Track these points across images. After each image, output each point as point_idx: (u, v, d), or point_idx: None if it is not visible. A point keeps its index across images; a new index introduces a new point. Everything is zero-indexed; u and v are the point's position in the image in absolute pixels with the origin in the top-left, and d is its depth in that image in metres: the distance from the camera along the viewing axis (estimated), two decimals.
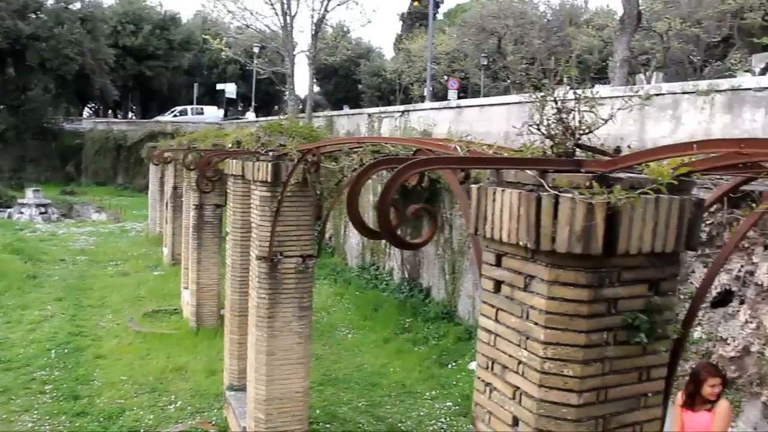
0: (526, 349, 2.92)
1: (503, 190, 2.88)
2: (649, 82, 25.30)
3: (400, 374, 12.58)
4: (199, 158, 11.27)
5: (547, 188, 2.65)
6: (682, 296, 10.04)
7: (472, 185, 3.09)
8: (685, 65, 32.04)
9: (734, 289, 9.46)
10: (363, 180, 2.83)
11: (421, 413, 11.08)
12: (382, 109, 19.74)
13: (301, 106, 30.56)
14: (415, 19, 48.18)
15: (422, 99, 31.04)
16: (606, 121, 2.89)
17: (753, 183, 3.86)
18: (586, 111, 2.89)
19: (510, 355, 3.03)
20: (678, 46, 28.80)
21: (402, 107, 18.21)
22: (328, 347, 14.28)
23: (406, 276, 16.52)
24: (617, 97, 11.74)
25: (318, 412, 11.09)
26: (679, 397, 6.34)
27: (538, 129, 2.91)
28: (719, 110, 10.16)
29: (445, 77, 35.71)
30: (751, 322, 9.22)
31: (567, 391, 2.83)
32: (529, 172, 2.79)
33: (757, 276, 9.12)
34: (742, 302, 9.37)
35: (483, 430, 3.29)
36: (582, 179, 2.66)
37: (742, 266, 9.39)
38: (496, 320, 3.11)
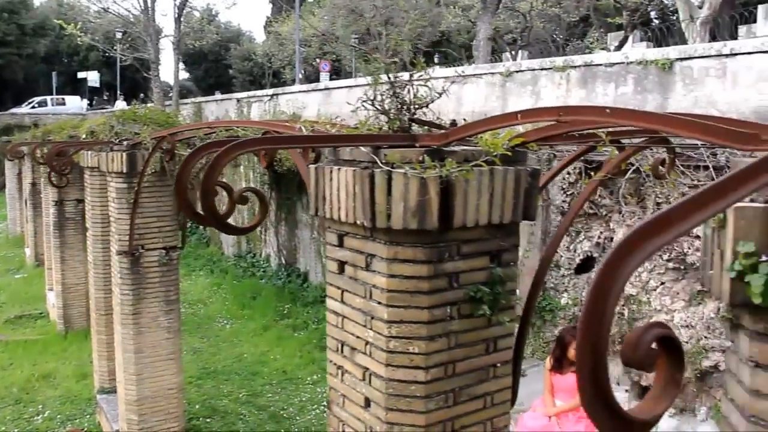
0: (371, 329, 2.87)
1: (339, 169, 2.80)
2: (515, 60, 26.12)
3: (281, 361, 12.44)
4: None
5: (380, 164, 2.59)
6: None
7: (311, 165, 3.00)
8: (548, 44, 33.28)
9: (595, 255, 9.91)
10: (191, 165, 2.68)
11: (303, 399, 11.01)
12: (251, 93, 19.31)
13: (170, 94, 29.44)
14: (284, 1, 47.44)
15: (294, 82, 30.66)
16: (440, 95, 2.86)
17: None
18: (420, 85, 2.84)
19: (357, 337, 2.97)
20: (540, 25, 29.86)
21: (271, 91, 17.88)
22: (206, 340, 13.92)
23: (284, 262, 16.33)
24: (481, 74, 12.02)
25: (197, 407, 10.82)
26: (548, 361, 6.57)
27: (373, 105, 2.84)
28: (575, 85, 10.56)
29: (317, 60, 35.42)
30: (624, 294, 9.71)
31: (414, 369, 2.81)
32: (363, 148, 2.72)
33: (615, 241, 9.59)
34: None
35: (338, 414, 3.23)
36: (414, 154, 2.62)
37: (601, 233, 9.86)
38: (342, 302, 3.04)
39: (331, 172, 2.87)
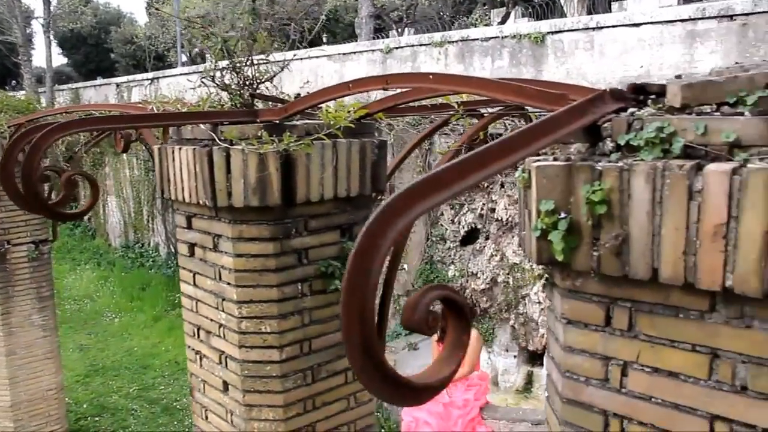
0: (223, 311, 2.80)
1: (180, 148, 2.71)
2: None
3: (173, 352, 12.12)
4: None
5: (219, 142, 2.51)
6: (434, 239, 10.63)
7: (155, 146, 2.89)
8: (435, 21, 33.57)
9: (479, 226, 10.14)
10: (16, 150, 2.52)
11: None
12: (131, 77, 18.56)
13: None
14: None
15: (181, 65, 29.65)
16: (282, 68, 2.80)
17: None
18: (262, 61, 2.77)
19: (211, 320, 2.90)
20: (426, 3, 30.08)
21: (151, 74, 17.25)
22: (93, 336, 13.39)
23: (173, 250, 15.87)
24: (362, 51, 12.02)
25: (85, 406, 10.42)
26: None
27: (213, 80, 2.75)
28: (453, 60, 10.72)
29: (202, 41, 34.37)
30: (496, 255, 9.96)
31: (268, 348, 2.76)
32: (202, 126, 2.63)
33: (497, 212, 9.84)
34: (487, 238, 10.10)
35: (200, 400, 3.16)
36: (253, 129, 2.55)
37: (484, 204, 10.09)
38: (195, 285, 2.96)
39: (173, 152, 2.77)
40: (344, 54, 12.01)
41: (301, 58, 12.42)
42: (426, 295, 1.18)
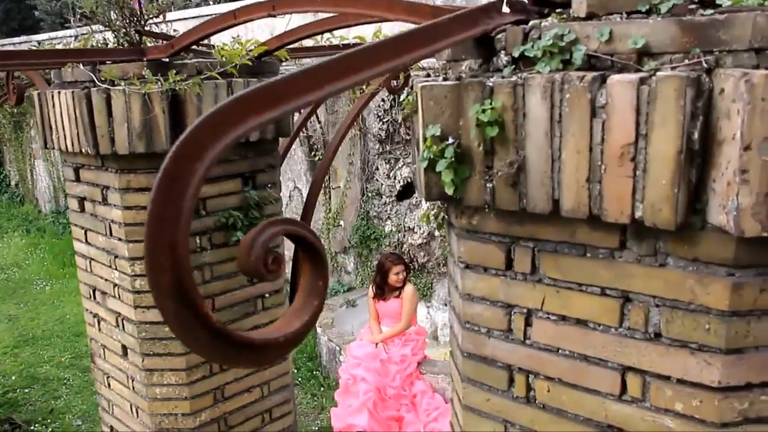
0: (116, 269, 2.57)
1: (60, 92, 2.43)
2: None
3: None
4: None
5: (98, 83, 2.25)
6: (370, 194, 10.45)
7: (34, 91, 2.60)
8: None
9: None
10: None
11: None
12: (53, 34, 17.62)
13: None
14: None
15: None
16: (171, 3, 2.52)
17: None
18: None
19: (106, 279, 2.67)
20: None
21: (72, 32, 16.40)
22: (22, 305, 12.88)
23: None
24: None
25: (14, 378, 10.01)
26: (370, 289, 6.53)
27: (94, 17, 2.46)
28: None
29: None
30: (432, 209, 9.85)
31: None
32: (82, 66, 2.35)
33: None
34: None
35: (102, 366, 2.93)
36: (136, 68, 2.29)
37: None
38: (87, 242, 2.71)
39: (53, 96, 2.49)
40: None
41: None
42: (264, 232, 0.93)
